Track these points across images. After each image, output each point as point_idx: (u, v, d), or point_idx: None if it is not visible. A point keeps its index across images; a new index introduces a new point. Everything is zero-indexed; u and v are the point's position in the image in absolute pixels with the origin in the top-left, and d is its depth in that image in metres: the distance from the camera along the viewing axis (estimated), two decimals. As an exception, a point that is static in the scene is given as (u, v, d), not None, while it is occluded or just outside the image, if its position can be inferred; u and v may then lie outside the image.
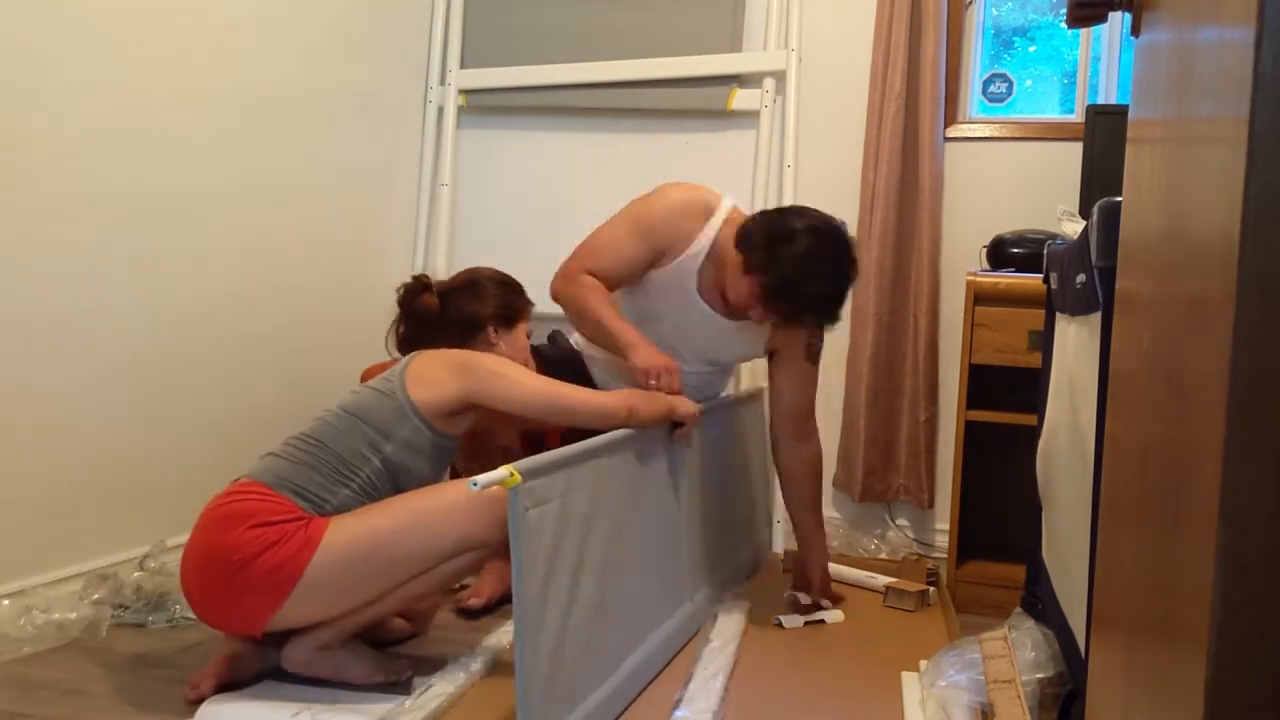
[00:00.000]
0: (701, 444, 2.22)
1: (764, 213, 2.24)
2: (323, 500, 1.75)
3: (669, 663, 1.95)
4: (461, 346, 1.99)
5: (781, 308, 2.15)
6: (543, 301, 2.31)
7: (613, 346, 2.18)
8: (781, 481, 2.48)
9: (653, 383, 2.06)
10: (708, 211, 2.26)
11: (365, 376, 2.74)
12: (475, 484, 1.39)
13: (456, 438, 1.92)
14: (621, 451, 1.83)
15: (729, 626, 2.14)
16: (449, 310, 2.09)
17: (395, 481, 1.83)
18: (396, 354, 2.10)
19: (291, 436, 1.85)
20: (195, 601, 1.76)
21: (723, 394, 2.57)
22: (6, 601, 1.98)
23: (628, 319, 2.24)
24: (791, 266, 2.08)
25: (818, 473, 2.43)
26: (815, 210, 2.21)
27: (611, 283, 2.24)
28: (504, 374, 1.86)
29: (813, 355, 2.38)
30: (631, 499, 1.86)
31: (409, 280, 2.14)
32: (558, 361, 2.43)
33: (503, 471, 1.43)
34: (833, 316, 2.19)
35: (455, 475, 2.19)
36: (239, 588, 1.67)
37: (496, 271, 2.22)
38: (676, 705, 1.74)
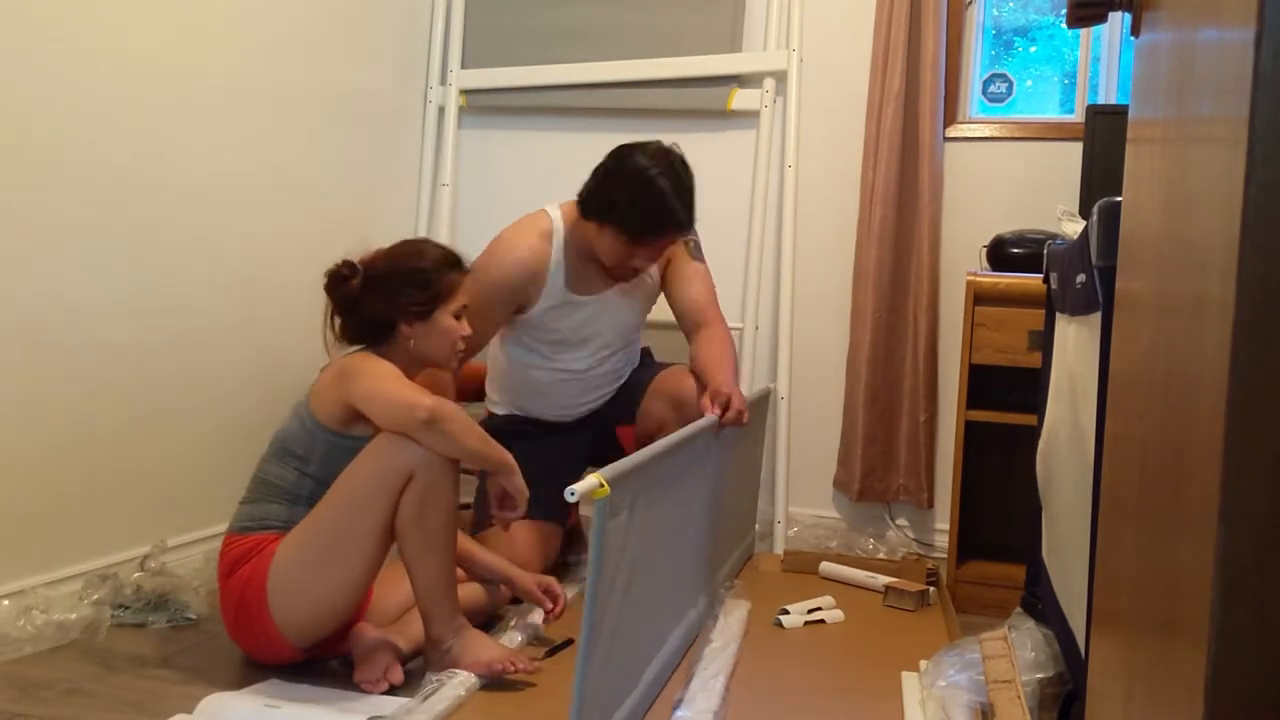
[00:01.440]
0: (712, 447, 2.19)
1: (587, 182, 2.32)
2: (286, 519, 1.86)
3: (674, 671, 1.93)
4: (376, 342, 1.96)
5: (650, 233, 2.24)
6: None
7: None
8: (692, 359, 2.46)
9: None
10: (545, 232, 2.35)
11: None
12: (572, 493, 1.37)
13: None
14: (670, 459, 1.79)
15: (730, 627, 2.14)
16: (367, 307, 1.96)
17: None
18: (339, 346, 2.02)
19: (253, 474, 1.96)
20: (244, 650, 1.91)
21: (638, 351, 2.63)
22: (6, 602, 1.98)
23: (525, 361, 2.41)
24: (631, 193, 2.20)
25: (725, 339, 2.41)
26: (620, 147, 2.31)
27: (479, 349, 2.33)
28: (367, 376, 1.84)
29: (693, 253, 2.46)
30: (669, 506, 1.83)
31: (333, 266, 1.98)
32: (521, 454, 2.44)
33: (593, 481, 1.40)
34: (693, 211, 2.26)
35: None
36: (245, 622, 1.84)
37: (416, 253, 2.01)
38: (677, 705, 1.74)
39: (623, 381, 2.54)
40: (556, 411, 2.49)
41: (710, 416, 2.09)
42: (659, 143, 2.29)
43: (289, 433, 1.92)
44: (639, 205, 2.20)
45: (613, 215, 2.23)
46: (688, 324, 2.47)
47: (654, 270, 2.46)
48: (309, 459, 1.88)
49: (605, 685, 1.53)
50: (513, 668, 1.82)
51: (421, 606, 1.85)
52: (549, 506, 2.25)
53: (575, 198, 2.33)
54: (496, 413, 2.54)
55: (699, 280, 2.47)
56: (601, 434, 2.49)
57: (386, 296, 1.94)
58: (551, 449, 2.39)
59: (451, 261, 2.02)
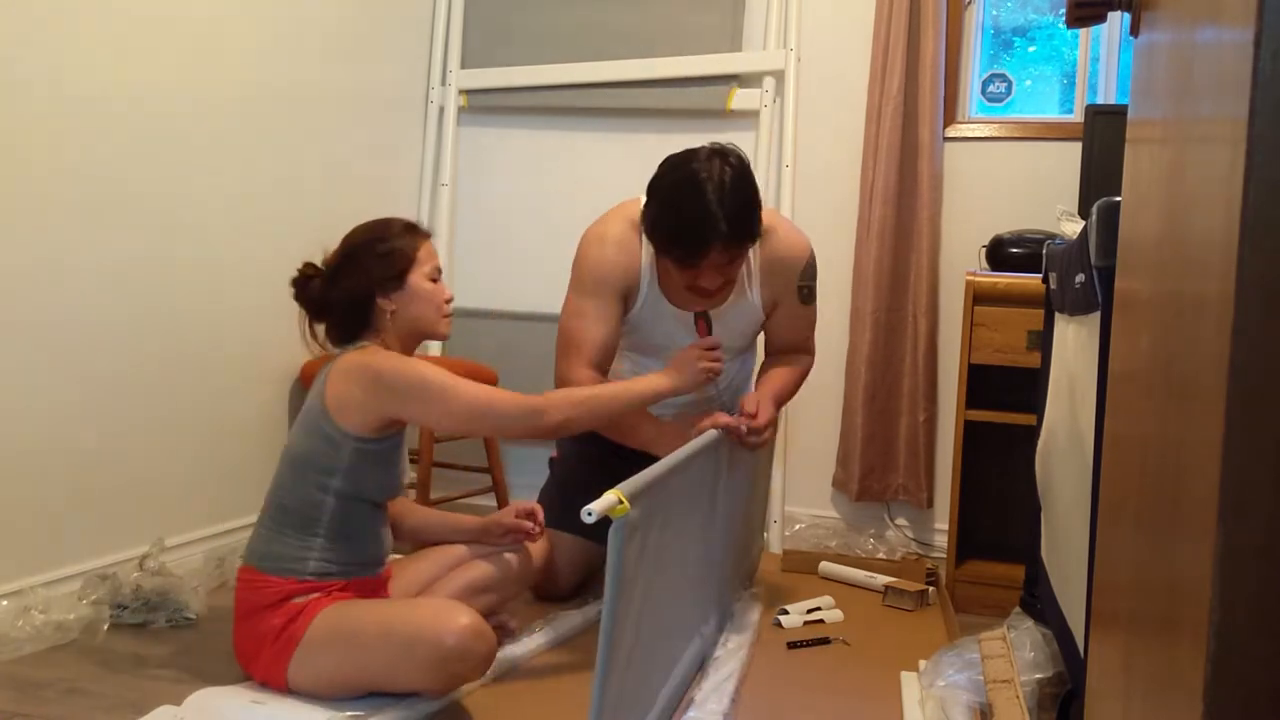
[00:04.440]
0: (723, 460, 2.08)
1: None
2: (302, 559, 1.79)
3: (684, 694, 1.83)
4: (363, 328, 1.89)
5: (676, 255, 2.04)
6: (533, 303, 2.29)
7: (644, 405, 2.06)
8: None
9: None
10: (634, 221, 2.20)
11: (305, 370, 2.75)
12: (590, 513, 1.29)
13: (401, 432, 1.87)
14: (688, 472, 1.71)
15: (746, 629, 2.14)
16: (338, 294, 1.89)
17: (357, 500, 1.83)
18: (319, 348, 1.98)
19: (267, 496, 1.88)
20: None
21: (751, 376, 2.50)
22: (5, 602, 1.98)
23: (628, 370, 2.25)
24: (656, 216, 2.05)
25: (796, 369, 2.34)
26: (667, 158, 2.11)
27: (608, 351, 2.20)
28: (424, 391, 1.77)
29: (806, 297, 2.32)
30: (683, 522, 1.74)
31: (295, 273, 1.95)
32: (582, 458, 2.40)
33: (611, 498, 1.32)
34: (738, 218, 2.00)
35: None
36: (259, 669, 1.79)
37: (370, 228, 1.96)
38: (689, 705, 1.74)
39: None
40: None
41: (713, 431, 1.98)
42: (710, 147, 2.07)
43: (307, 448, 1.82)
44: (663, 220, 2.04)
45: (655, 240, 2.09)
46: (774, 350, 2.40)
47: (757, 298, 2.29)
48: (333, 471, 1.80)
49: (621, 711, 1.44)
50: None
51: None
52: (591, 526, 2.23)
53: None
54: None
55: (805, 324, 2.37)
56: None
57: (352, 275, 1.88)
58: (615, 476, 2.30)
59: (408, 227, 1.95)
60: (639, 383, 1.99)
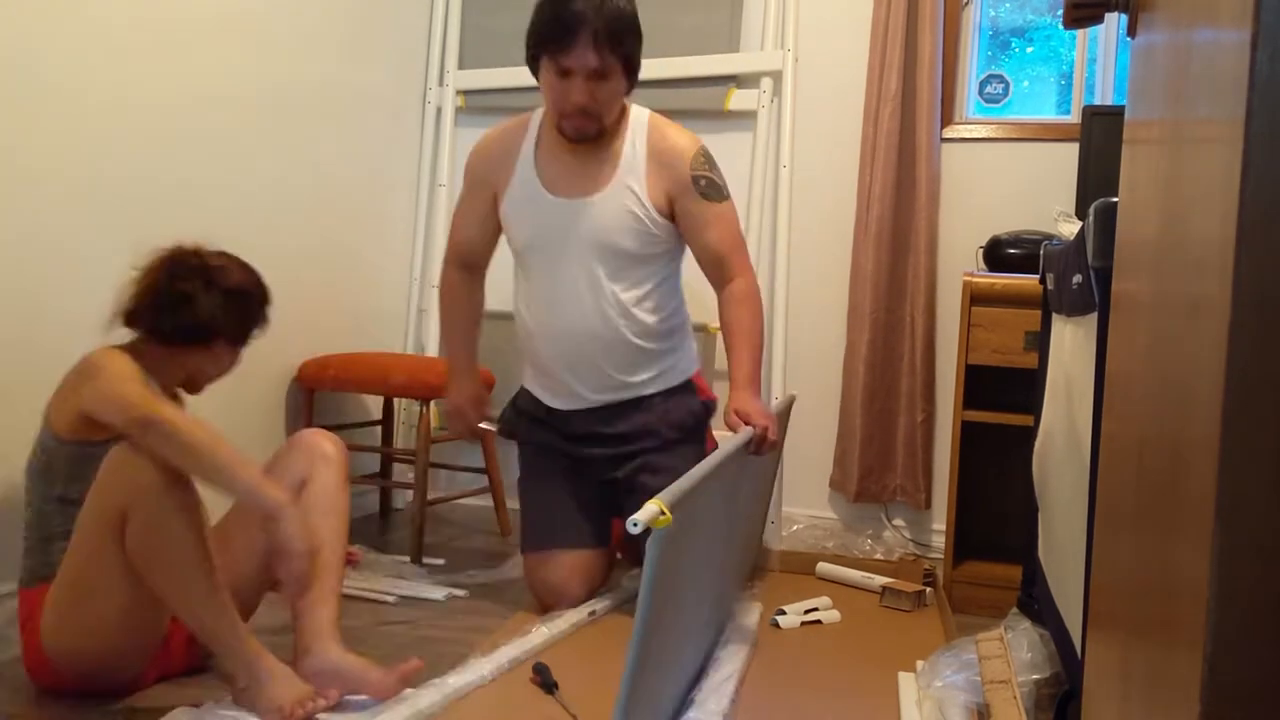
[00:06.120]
0: (744, 464, 2.04)
1: None
2: (47, 566, 1.68)
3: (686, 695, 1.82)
4: (173, 347, 1.82)
5: (554, 41, 2.07)
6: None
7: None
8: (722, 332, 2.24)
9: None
10: (523, 120, 2.32)
11: (302, 370, 2.74)
12: (635, 524, 1.26)
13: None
14: (718, 479, 1.67)
15: (746, 630, 2.14)
16: (196, 309, 1.81)
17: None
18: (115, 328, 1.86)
19: None
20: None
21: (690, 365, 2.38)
22: (1, 603, 1.97)
23: (517, 299, 2.32)
24: (534, 13, 2.13)
25: (746, 310, 2.19)
26: None
27: (476, 250, 2.39)
28: (100, 376, 1.64)
29: (705, 192, 2.19)
30: (705, 528, 1.70)
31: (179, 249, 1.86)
32: (543, 473, 2.37)
33: (654, 509, 1.28)
34: (604, 28, 2.05)
35: None
36: (40, 677, 1.72)
37: (259, 281, 1.92)
38: (689, 705, 1.74)
39: (628, 379, 2.25)
40: (544, 380, 2.32)
41: (746, 431, 1.96)
42: None
43: (31, 455, 1.72)
44: (539, 15, 2.11)
45: (530, 36, 2.13)
46: (710, 277, 2.25)
47: (641, 188, 2.18)
48: (53, 479, 1.68)
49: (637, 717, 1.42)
50: (303, 712, 1.59)
51: (203, 643, 1.68)
52: (586, 534, 2.28)
53: None
54: (524, 384, 2.43)
55: (717, 225, 2.19)
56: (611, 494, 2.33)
57: (232, 310, 1.81)
58: (576, 484, 2.32)
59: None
60: (244, 469, 1.67)
